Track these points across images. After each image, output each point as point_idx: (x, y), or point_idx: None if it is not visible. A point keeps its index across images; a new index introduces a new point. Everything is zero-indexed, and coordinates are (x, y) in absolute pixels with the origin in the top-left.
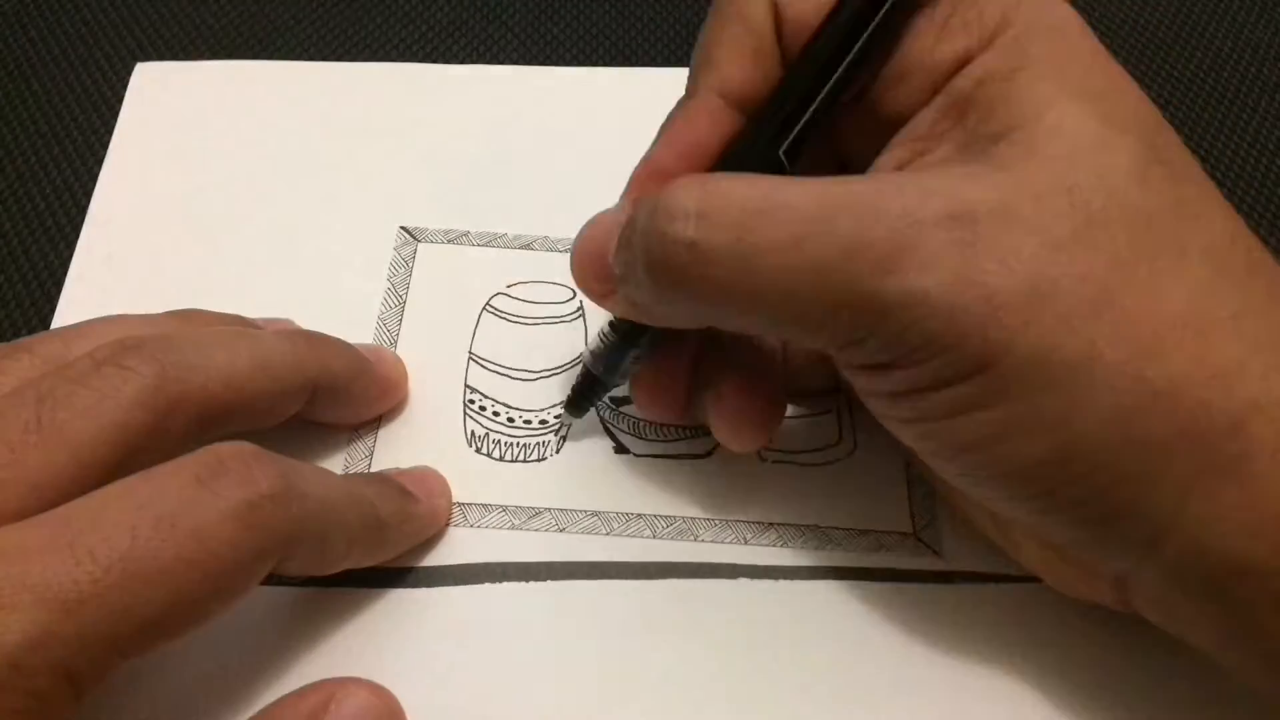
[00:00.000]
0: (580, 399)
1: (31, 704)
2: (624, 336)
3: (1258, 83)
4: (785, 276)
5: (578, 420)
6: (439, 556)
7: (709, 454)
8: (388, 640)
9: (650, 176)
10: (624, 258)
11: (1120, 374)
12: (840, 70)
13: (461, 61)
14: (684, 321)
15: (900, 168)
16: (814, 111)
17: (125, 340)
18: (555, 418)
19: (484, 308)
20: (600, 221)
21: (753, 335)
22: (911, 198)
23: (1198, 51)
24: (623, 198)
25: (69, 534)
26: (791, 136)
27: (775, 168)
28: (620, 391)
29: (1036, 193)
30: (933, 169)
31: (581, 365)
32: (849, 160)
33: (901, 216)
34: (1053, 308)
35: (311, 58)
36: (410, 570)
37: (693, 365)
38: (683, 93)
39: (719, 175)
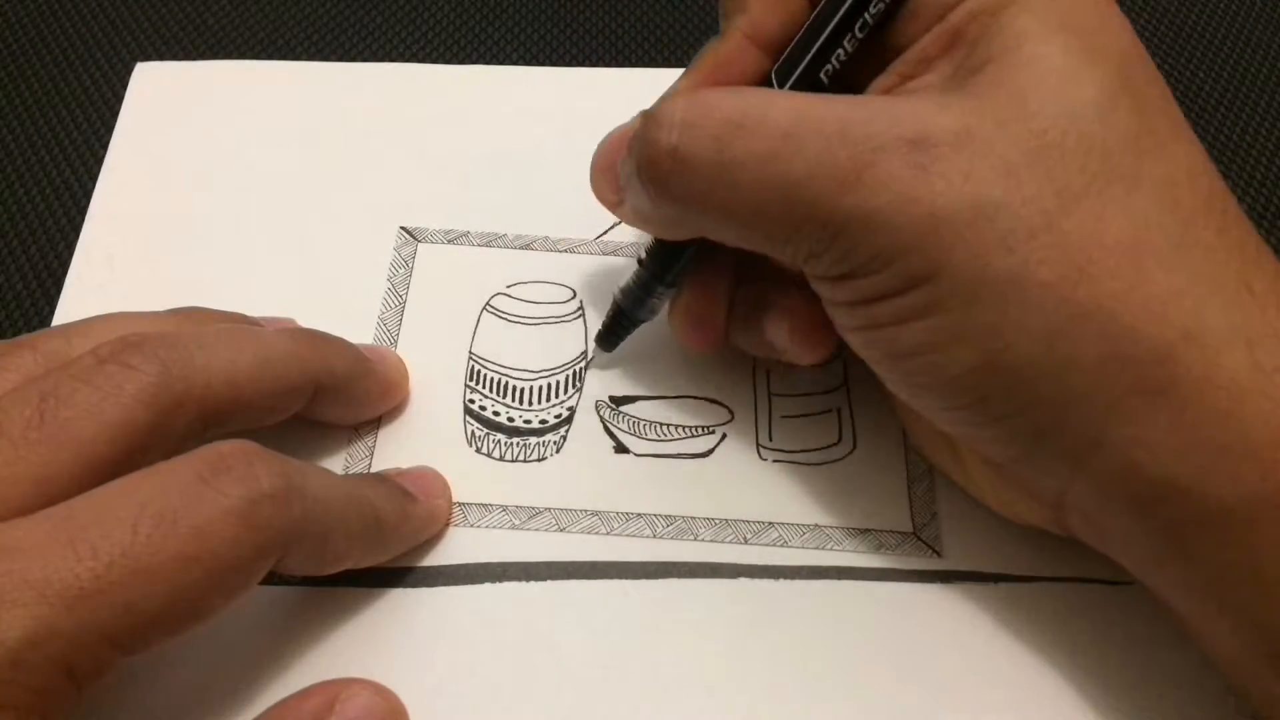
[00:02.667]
0: (611, 333)
1: (33, 699)
2: (652, 273)
3: (1258, 82)
4: (757, 190)
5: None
6: (439, 556)
7: (709, 454)
8: (388, 640)
9: None
10: (626, 166)
11: (1050, 294)
12: (867, 11)
13: (461, 61)
14: (676, 230)
15: (887, 92)
16: (836, 49)
17: (128, 338)
18: (556, 418)
19: (484, 308)
20: (617, 131)
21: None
22: (877, 124)
23: (1198, 51)
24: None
25: (71, 530)
26: (800, 71)
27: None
28: (621, 391)
29: (999, 119)
30: (910, 96)
31: (612, 300)
32: (854, 87)
33: (865, 141)
34: (992, 227)
35: (311, 58)
36: (410, 570)
37: (730, 294)
38: None
39: (712, 89)
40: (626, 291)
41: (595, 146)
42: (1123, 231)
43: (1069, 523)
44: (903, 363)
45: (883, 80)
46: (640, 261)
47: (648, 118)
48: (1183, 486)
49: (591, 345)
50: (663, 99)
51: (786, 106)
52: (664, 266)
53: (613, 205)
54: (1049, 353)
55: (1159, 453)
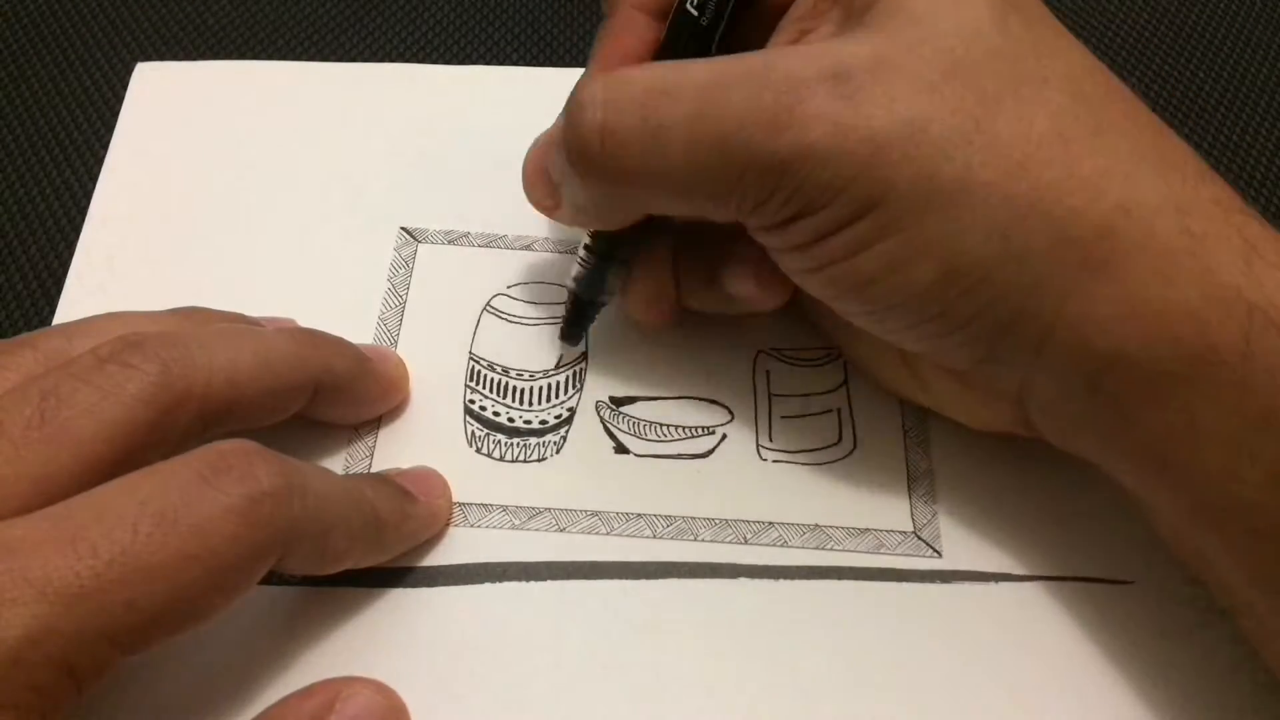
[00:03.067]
0: (573, 325)
1: (32, 698)
2: (601, 254)
3: (1258, 82)
4: (690, 152)
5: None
6: (439, 556)
7: (709, 454)
8: (388, 640)
9: None
10: (557, 161)
11: (994, 191)
12: None
13: (461, 61)
14: (615, 215)
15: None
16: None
17: (128, 337)
18: (556, 418)
19: (484, 308)
20: (542, 138)
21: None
22: (794, 63)
23: (1198, 51)
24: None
25: (71, 529)
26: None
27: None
28: (621, 392)
29: (907, 44)
30: (814, 41)
31: (568, 292)
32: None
33: (786, 79)
34: (928, 140)
35: (311, 58)
36: (410, 570)
37: (675, 266)
38: None
39: (628, 67)
40: (579, 279)
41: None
42: (1045, 125)
43: (1030, 418)
44: (865, 291)
45: (779, 37)
46: (586, 248)
47: (568, 107)
48: (1127, 355)
49: (591, 346)
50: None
51: (702, 68)
52: (611, 246)
53: (550, 210)
54: (1004, 247)
55: (1105, 325)
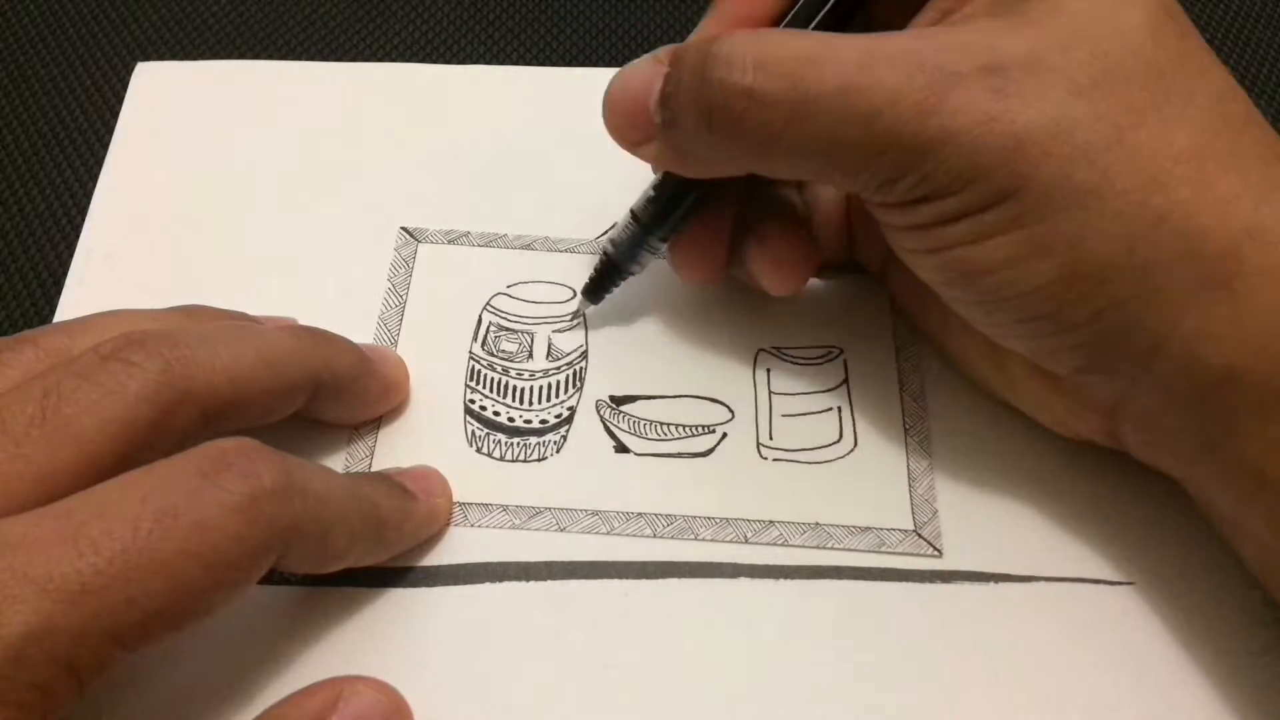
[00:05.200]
0: (599, 286)
1: (34, 695)
2: (646, 226)
3: (1258, 82)
4: (834, 122)
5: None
6: (439, 556)
7: (709, 453)
8: (388, 639)
9: None
10: (672, 105)
11: (1128, 201)
12: None
13: (462, 61)
14: (728, 169)
15: (933, 26)
16: None
17: (130, 335)
18: (556, 417)
19: (484, 308)
20: (636, 70)
21: (787, 199)
22: (949, 53)
23: None
24: (657, 53)
25: (72, 526)
26: (829, 7)
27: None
28: (621, 391)
29: (1061, 44)
30: (966, 25)
31: (601, 253)
32: (888, 25)
33: (940, 68)
34: (1071, 142)
35: (311, 58)
36: (410, 570)
37: (733, 230)
38: None
39: (770, 30)
40: (618, 244)
41: (595, 146)
42: (1186, 142)
43: (1119, 430)
44: (979, 280)
45: (924, 17)
46: (633, 214)
47: (710, 58)
48: (1239, 372)
49: (590, 344)
50: (699, 39)
51: (852, 44)
52: (659, 220)
53: (634, 145)
54: (1129, 256)
55: (1221, 343)
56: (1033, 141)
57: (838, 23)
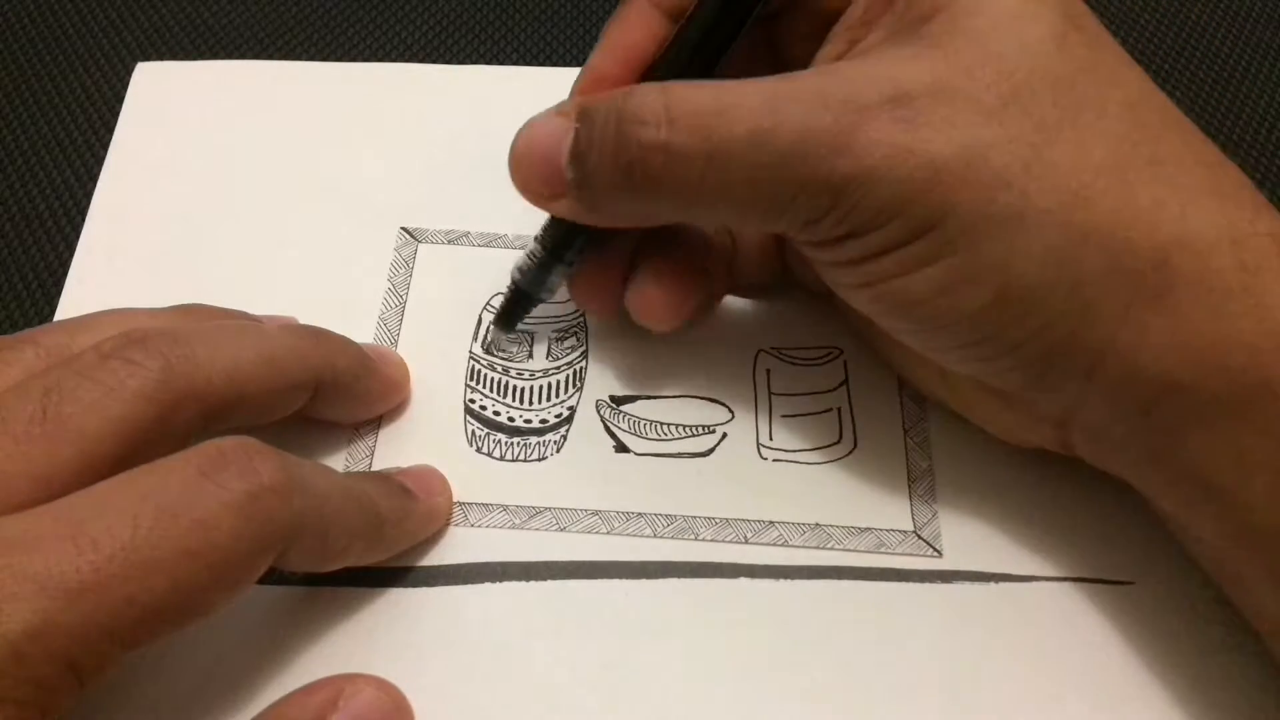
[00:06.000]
0: (510, 314)
1: (33, 693)
2: (552, 252)
3: (1258, 82)
4: (749, 169)
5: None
6: (439, 556)
7: (709, 453)
8: (388, 639)
9: (593, 85)
10: (585, 164)
11: (1051, 220)
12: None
13: (462, 61)
14: (642, 221)
15: (839, 59)
16: (737, 18)
17: (131, 334)
18: (556, 417)
19: (484, 308)
20: (542, 126)
21: (677, 237)
22: (854, 85)
23: (1198, 51)
24: (564, 104)
25: (72, 524)
26: (716, 42)
27: (704, 71)
28: (621, 391)
29: (966, 67)
30: (869, 55)
31: (510, 281)
32: (792, 64)
33: (846, 103)
34: (987, 167)
35: (311, 58)
36: (410, 569)
37: (627, 265)
38: None
39: (675, 83)
40: (525, 271)
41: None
42: (1103, 154)
43: (1070, 440)
44: (914, 310)
45: (829, 49)
46: (538, 240)
47: (621, 117)
48: (1180, 383)
49: (589, 343)
50: (585, 72)
51: (758, 88)
52: (562, 247)
53: (545, 200)
54: (1059, 274)
55: (1160, 354)
56: (948, 170)
57: (717, 53)
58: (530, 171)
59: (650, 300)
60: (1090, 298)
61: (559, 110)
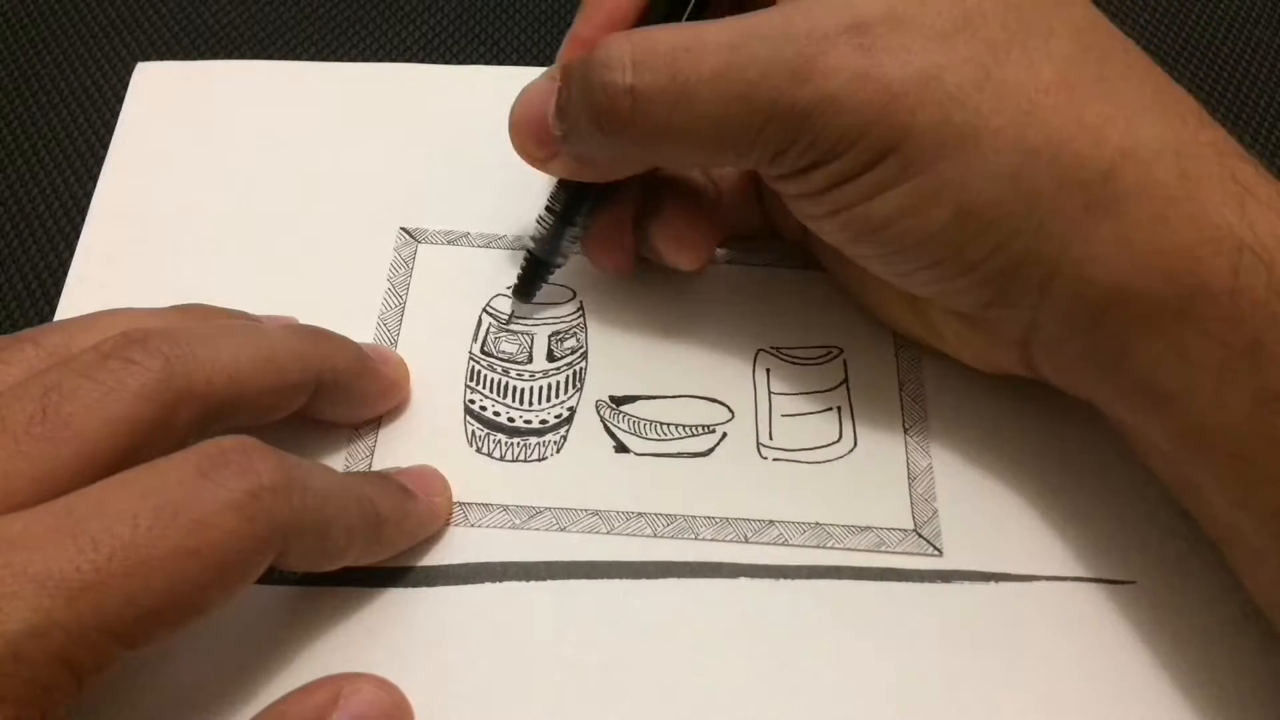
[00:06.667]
0: (528, 283)
1: (33, 692)
2: (562, 216)
3: (1258, 82)
4: (716, 104)
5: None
6: (439, 556)
7: (709, 453)
8: (388, 639)
9: (576, 48)
10: (567, 117)
11: (1004, 137)
12: None
13: (463, 61)
14: (628, 168)
15: None
16: None
17: (130, 333)
18: (556, 418)
19: (484, 308)
20: (533, 91)
21: (686, 180)
22: (814, 18)
23: (1198, 51)
24: (553, 69)
25: (71, 523)
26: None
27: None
28: (621, 391)
29: None
30: None
31: (525, 252)
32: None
33: (808, 34)
34: (941, 88)
35: (311, 58)
36: (410, 569)
37: (635, 219)
38: None
39: (642, 29)
40: (539, 240)
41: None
42: (1051, 74)
43: (1033, 359)
44: (879, 234)
45: None
46: (547, 208)
47: (590, 66)
48: (1127, 290)
49: (589, 344)
50: (568, 39)
51: (723, 26)
52: (571, 210)
53: (540, 161)
54: (1014, 190)
55: (1106, 263)
56: (904, 93)
57: (699, 9)
58: (525, 133)
59: (677, 234)
60: (1043, 212)
61: (549, 73)
